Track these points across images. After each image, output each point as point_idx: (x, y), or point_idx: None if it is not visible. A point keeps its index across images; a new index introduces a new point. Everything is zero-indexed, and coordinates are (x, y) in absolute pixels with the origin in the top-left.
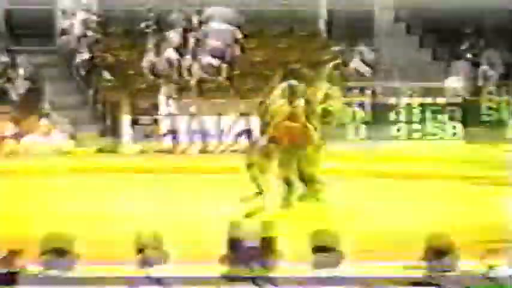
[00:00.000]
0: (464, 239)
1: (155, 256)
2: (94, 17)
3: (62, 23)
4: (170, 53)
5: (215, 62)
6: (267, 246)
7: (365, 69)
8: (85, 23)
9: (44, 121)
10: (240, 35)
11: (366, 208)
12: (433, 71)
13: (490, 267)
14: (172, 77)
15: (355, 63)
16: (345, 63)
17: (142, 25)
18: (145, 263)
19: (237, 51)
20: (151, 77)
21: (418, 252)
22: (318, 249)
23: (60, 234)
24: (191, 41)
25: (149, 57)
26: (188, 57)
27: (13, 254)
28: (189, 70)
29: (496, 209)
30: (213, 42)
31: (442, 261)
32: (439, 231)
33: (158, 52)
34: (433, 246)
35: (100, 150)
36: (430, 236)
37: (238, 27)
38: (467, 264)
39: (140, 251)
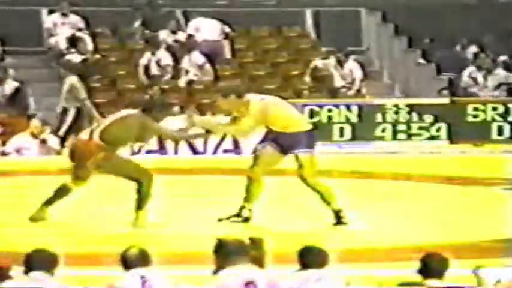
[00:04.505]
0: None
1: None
2: (81, 22)
3: (48, 26)
4: (163, 54)
5: (204, 61)
6: (255, 247)
7: (359, 73)
8: (72, 26)
9: (34, 122)
10: (228, 29)
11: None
12: (421, 72)
13: (478, 267)
14: (164, 78)
15: (351, 65)
16: (340, 64)
17: (131, 25)
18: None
19: (227, 49)
20: (144, 78)
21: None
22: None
23: (45, 252)
24: (181, 40)
25: (144, 59)
26: (181, 57)
27: (2, 269)
28: (183, 71)
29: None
30: (202, 40)
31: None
32: (434, 251)
33: (151, 53)
34: (429, 267)
35: None
36: (425, 256)
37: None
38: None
39: (127, 267)
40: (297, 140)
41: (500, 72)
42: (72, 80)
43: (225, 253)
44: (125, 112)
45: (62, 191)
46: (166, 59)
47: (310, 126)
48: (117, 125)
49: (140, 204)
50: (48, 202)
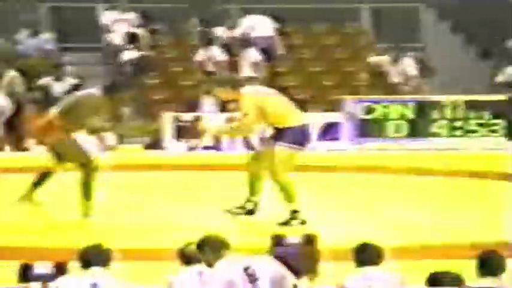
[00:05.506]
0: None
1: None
2: (139, 18)
3: (106, 22)
4: (215, 51)
5: (259, 58)
6: (309, 243)
7: (413, 72)
8: (130, 23)
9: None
10: (279, 25)
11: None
12: (479, 69)
13: None
14: (218, 75)
15: (406, 63)
16: (397, 61)
17: (188, 22)
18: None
19: (280, 46)
20: (200, 75)
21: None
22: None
23: (101, 247)
24: (236, 38)
25: (199, 55)
26: (237, 53)
27: (59, 266)
28: (236, 67)
29: None
30: (257, 38)
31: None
32: (490, 248)
33: (206, 50)
34: (486, 265)
35: (146, 147)
36: (481, 253)
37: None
38: None
39: (187, 262)
40: (286, 134)
41: None
42: (11, 74)
43: (212, 248)
44: (85, 92)
45: (46, 175)
46: (221, 55)
47: (302, 123)
48: (76, 103)
49: (87, 194)
50: (36, 184)
